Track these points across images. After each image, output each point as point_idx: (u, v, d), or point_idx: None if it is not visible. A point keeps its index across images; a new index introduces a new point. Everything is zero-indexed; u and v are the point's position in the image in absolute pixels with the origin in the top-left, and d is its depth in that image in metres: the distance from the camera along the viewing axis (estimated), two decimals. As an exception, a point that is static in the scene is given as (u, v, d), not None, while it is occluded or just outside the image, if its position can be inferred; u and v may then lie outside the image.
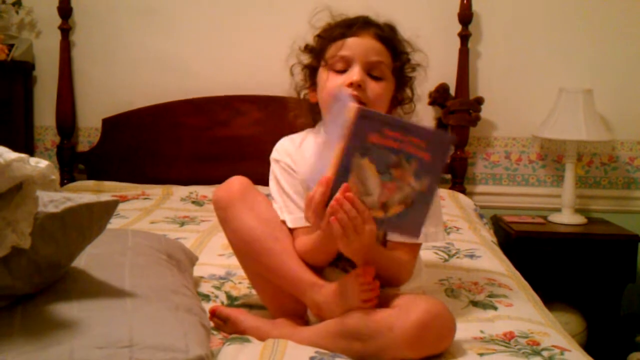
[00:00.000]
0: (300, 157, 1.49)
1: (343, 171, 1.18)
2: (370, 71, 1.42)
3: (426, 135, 1.19)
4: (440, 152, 1.20)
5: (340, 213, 1.19)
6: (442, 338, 1.22)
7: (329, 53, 1.45)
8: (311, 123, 1.54)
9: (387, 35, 1.46)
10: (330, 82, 1.43)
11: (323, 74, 1.46)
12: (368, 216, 1.21)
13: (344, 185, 1.18)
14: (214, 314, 1.41)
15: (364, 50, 1.42)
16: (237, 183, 1.46)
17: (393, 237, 1.39)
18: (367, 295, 1.26)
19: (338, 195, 1.18)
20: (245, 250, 1.43)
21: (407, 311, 1.21)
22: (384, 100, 1.45)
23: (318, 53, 1.48)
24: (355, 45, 1.42)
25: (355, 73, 1.40)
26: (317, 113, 1.51)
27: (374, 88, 1.42)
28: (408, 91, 1.52)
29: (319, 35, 1.50)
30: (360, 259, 1.29)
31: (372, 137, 1.16)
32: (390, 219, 1.22)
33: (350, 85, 1.39)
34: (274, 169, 1.50)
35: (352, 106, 1.17)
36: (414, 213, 1.21)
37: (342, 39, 1.43)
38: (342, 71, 1.42)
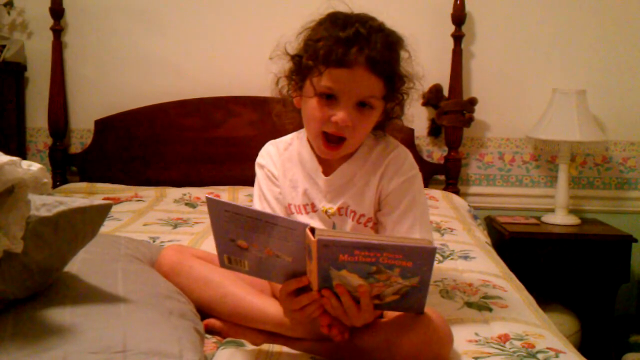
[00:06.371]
0: (281, 164, 1.48)
1: (324, 281, 1.12)
2: (359, 101, 1.32)
3: (401, 250, 1.07)
4: (423, 260, 1.08)
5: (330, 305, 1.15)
6: (440, 355, 1.21)
7: (315, 78, 1.32)
8: (297, 124, 1.48)
9: (383, 62, 1.31)
10: (317, 112, 1.34)
11: (310, 91, 1.34)
12: (365, 303, 1.14)
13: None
14: (206, 328, 1.37)
15: (354, 86, 1.30)
16: (166, 258, 1.46)
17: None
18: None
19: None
20: (208, 310, 1.40)
21: (407, 328, 1.20)
22: (368, 128, 1.38)
23: (303, 68, 1.36)
24: (344, 80, 1.29)
25: (340, 114, 1.31)
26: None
27: (359, 122, 1.33)
28: (397, 109, 1.43)
29: (305, 45, 1.36)
30: (366, 322, 1.22)
31: (343, 257, 1.08)
32: (389, 304, 1.17)
33: (335, 123, 1.32)
34: (258, 174, 1.51)
35: (313, 241, 1.06)
36: (412, 298, 1.15)
37: (327, 68, 1.29)
38: (331, 96, 1.32)
